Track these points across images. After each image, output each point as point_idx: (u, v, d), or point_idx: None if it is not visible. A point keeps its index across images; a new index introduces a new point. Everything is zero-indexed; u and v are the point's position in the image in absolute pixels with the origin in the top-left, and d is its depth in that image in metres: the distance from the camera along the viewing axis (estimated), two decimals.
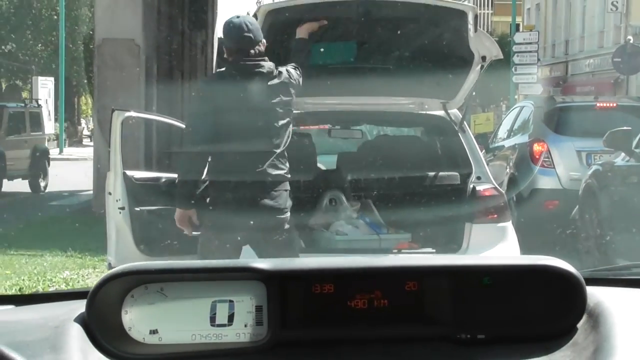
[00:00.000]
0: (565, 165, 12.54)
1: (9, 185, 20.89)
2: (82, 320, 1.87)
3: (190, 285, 1.93)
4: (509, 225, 6.69)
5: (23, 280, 9.10)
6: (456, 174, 6.86)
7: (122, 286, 1.90)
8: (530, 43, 30.93)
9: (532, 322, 1.89)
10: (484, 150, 13.26)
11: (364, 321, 1.90)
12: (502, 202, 6.76)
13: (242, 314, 1.92)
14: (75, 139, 48.66)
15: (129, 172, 6.59)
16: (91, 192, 16.78)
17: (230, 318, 1.93)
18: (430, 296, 1.91)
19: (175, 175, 5.61)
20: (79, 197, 19.44)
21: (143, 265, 1.95)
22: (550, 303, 1.89)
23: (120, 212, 6.46)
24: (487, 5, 65.42)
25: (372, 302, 1.90)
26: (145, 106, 15.69)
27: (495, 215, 6.67)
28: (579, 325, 1.88)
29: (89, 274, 9.55)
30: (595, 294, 1.93)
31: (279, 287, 1.90)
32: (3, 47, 48.20)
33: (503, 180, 13.09)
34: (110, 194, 6.55)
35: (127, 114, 6.69)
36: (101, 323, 1.87)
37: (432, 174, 6.93)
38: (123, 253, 6.35)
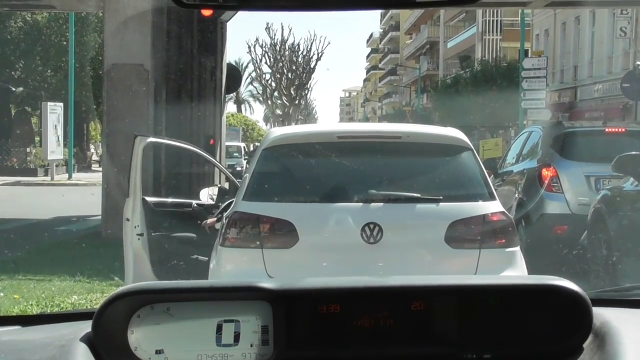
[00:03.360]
0: (573, 190, 12.53)
1: (18, 211, 20.91)
2: (88, 340, 1.86)
3: (196, 305, 1.93)
4: (517, 251, 6.69)
5: (31, 305, 9.09)
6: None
7: (128, 306, 1.90)
8: (538, 69, 30.98)
9: (539, 342, 1.88)
10: (492, 175, 13.26)
11: (370, 341, 1.90)
12: (511, 227, 6.75)
13: (248, 333, 1.92)
14: (84, 164, 48.78)
15: (148, 198, 6.57)
16: (99, 217, 16.80)
17: (236, 338, 1.92)
18: (436, 316, 1.90)
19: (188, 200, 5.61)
20: (88, 222, 19.45)
21: (149, 285, 1.95)
22: (556, 323, 1.88)
23: (139, 239, 6.45)
24: (496, 31, 65.52)
25: (378, 322, 1.90)
26: (154, 131, 15.72)
27: (504, 240, 6.67)
28: (585, 345, 1.87)
29: (97, 299, 9.53)
30: (601, 314, 1.92)
31: (285, 307, 1.89)
32: (13, 73, 48.41)
33: (512, 205, 13.08)
34: (128, 220, 6.54)
35: (149, 139, 6.67)
36: (107, 342, 1.87)
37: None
38: (140, 279, 6.33)
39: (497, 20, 64.77)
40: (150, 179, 15.62)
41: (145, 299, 1.91)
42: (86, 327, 1.90)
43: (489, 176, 7.78)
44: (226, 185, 9.89)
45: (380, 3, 2.18)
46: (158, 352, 1.91)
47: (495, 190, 7.32)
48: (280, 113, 71.33)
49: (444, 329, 1.90)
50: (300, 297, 1.92)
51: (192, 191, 18.96)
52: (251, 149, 48.56)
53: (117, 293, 1.89)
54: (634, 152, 10.60)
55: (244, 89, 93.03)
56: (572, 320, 1.87)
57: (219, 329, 1.92)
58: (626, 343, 1.78)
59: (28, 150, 44.18)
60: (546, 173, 12.75)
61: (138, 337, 1.91)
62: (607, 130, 13.67)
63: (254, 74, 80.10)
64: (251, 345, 1.91)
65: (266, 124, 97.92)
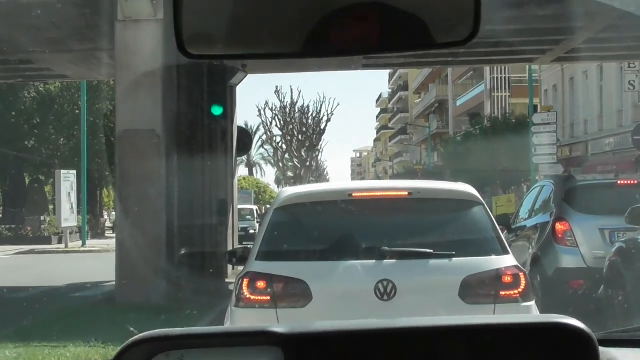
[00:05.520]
0: (588, 244, 12.48)
1: (32, 279, 20.91)
2: None
3: (209, 351, 1.93)
4: (532, 305, 6.66)
5: None
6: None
7: (143, 354, 1.90)
8: (548, 124, 31.05)
9: None
10: (505, 231, 13.23)
11: None
12: (525, 281, 6.73)
13: None
14: (97, 231, 48.90)
15: None
16: (113, 283, 16.79)
17: None
18: (446, 356, 1.90)
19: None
20: (102, 288, 19.45)
21: (163, 332, 1.95)
22: None
23: None
24: (504, 88, 65.80)
25: None
26: (166, 195, 15.79)
27: (519, 295, 6.65)
28: None
29: None
30: (608, 353, 1.92)
31: (297, 351, 1.89)
32: (26, 142, 48.77)
33: (526, 260, 13.02)
34: None
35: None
36: None
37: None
38: None
39: (505, 77, 65.08)
40: (164, 229, 15.69)
41: (160, 347, 1.91)
42: None
43: (502, 232, 7.78)
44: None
45: (365, 49, 2.22)
46: None
47: (510, 245, 7.31)
48: (292, 175, 71.57)
49: None
50: (311, 340, 1.92)
51: (205, 243, 19.02)
52: (263, 211, 48.58)
53: (131, 341, 1.89)
54: None
55: (255, 152, 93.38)
56: (578, 359, 1.86)
57: None
58: None
59: (42, 218, 44.36)
60: (560, 227, 12.72)
61: None
62: (619, 182, 13.66)
63: (264, 137, 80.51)
64: None
65: (278, 187, 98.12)
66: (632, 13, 15.37)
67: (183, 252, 16.77)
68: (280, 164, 75.24)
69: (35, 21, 18.06)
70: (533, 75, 39.78)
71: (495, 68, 62.19)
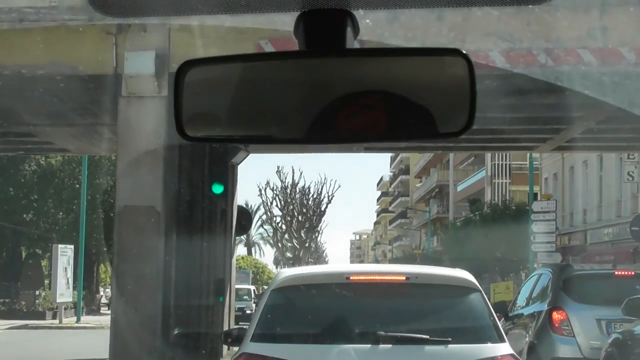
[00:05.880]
0: (585, 334, 12.43)
1: (25, 354, 20.70)
2: None
3: None
4: None
5: None
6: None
7: None
8: (548, 212, 31.10)
9: None
10: (502, 319, 13.17)
11: None
12: None
13: None
14: (92, 307, 48.58)
15: None
16: None
17: None
18: None
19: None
20: None
21: None
22: None
23: None
24: (505, 175, 66.00)
25: None
26: (163, 273, 15.73)
27: None
28: None
29: None
30: None
31: None
32: (25, 215, 48.75)
33: (522, 349, 12.93)
34: None
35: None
36: None
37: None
38: None
39: (506, 164, 65.31)
40: (159, 308, 15.59)
41: None
42: None
43: (500, 319, 7.75)
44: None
45: (360, 138, 2.25)
46: None
47: (506, 333, 7.27)
48: (291, 256, 71.35)
49: None
50: None
51: (201, 323, 18.87)
52: (260, 291, 48.38)
53: None
54: None
55: (255, 232, 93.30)
56: None
57: None
58: None
59: (37, 293, 44.11)
60: (557, 316, 12.68)
61: None
62: (616, 273, 13.69)
63: (264, 217, 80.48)
64: None
65: (276, 267, 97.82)
66: (625, 109, 15.57)
67: (178, 331, 16.65)
68: (279, 245, 75.06)
69: (39, 94, 18.21)
70: (533, 163, 39.96)
71: (496, 155, 62.44)
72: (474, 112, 2.07)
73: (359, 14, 2.19)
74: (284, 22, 13.92)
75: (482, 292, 7.29)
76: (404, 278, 7.35)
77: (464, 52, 2.09)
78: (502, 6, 2.14)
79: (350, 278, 7.23)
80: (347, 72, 2.11)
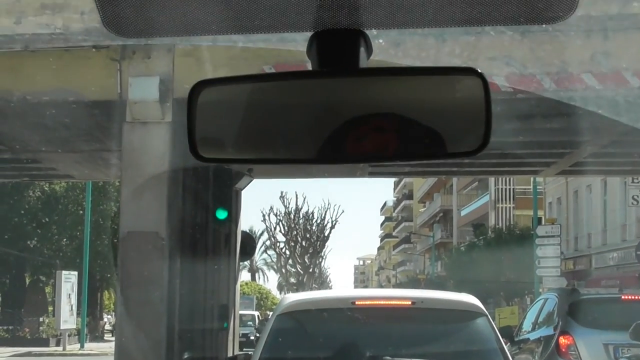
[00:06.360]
0: (592, 359, 12.36)
1: None
2: None
3: None
4: None
5: None
6: None
7: None
8: (552, 236, 31.04)
9: None
10: (508, 344, 13.10)
11: None
12: None
13: None
14: (96, 334, 48.45)
15: None
16: None
17: None
18: None
19: None
20: None
21: None
22: None
23: None
24: (508, 199, 65.97)
25: None
26: (167, 299, 15.69)
27: None
28: None
29: None
30: None
31: None
32: (29, 242, 48.73)
33: None
34: None
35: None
36: None
37: None
38: None
39: (509, 189, 65.31)
40: (164, 331, 15.55)
41: None
42: None
43: (505, 344, 7.70)
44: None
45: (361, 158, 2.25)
46: None
47: (512, 358, 7.23)
48: (295, 281, 71.21)
49: None
50: None
51: (206, 348, 18.81)
52: (264, 317, 48.25)
53: None
54: None
55: (258, 257, 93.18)
56: None
57: None
58: None
59: (41, 319, 44.01)
60: (564, 341, 12.62)
61: None
62: (623, 297, 13.61)
63: (268, 242, 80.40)
64: None
65: (280, 292, 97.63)
66: (638, 129, 15.54)
67: (186, 356, 16.59)
68: (283, 270, 74.97)
69: (43, 120, 18.24)
70: (537, 187, 39.94)
71: (499, 179, 62.47)
72: (489, 131, 2.08)
73: (371, 33, 2.19)
74: (286, 48, 13.97)
75: (489, 316, 7.26)
76: (410, 303, 7.32)
77: (479, 70, 2.09)
78: (516, 25, 2.13)
79: (356, 303, 7.20)
80: (361, 92, 2.12)
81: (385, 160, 2.17)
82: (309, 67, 2.16)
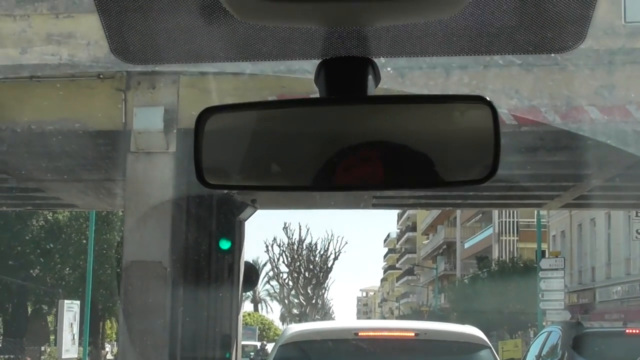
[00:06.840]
0: None
1: None
2: None
3: None
4: None
5: None
6: None
7: None
8: (556, 269, 30.92)
9: None
10: None
11: None
12: None
13: None
14: None
15: None
16: None
17: None
18: None
19: None
20: None
21: None
22: None
23: None
24: (512, 232, 65.88)
25: None
26: (170, 329, 15.65)
27: None
28: None
29: None
30: None
31: None
32: (31, 270, 48.66)
33: None
34: None
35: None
36: None
37: None
38: None
39: (513, 222, 65.23)
40: (166, 355, 15.52)
41: None
42: None
43: None
44: None
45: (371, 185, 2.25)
46: None
47: None
48: (297, 312, 71.03)
49: None
50: None
51: None
52: (266, 347, 48.09)
53: None
54: None
55: (261, 288, 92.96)
56: None
57: None
58: None
59: (43, 349, 43.87)
60: None
61: None
62: (627, 331, 13.54)
63: (271, 273, 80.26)
64: None
65: (283, 323, 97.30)
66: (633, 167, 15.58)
67: None
68: (286, 301, 74.80)
69: (48, 150, 18.27)
70: (541, 220, 39.86)
71: (503, 212, 62.42)
72: (498, 159, 2.07)
73: (379, 61, 2.19)
74: (289, 78, 14.00)
75: (492, 348, 7.23)
76: (413, 334, 7.29)
77: (488, 98, 2.09)
78: (525, 54, 2.14)
79: (359, 334, 7.18)
80: (369, 119, 2.12)
81: (376, 189, 2.18)
82: (316, 96, 2.17)
